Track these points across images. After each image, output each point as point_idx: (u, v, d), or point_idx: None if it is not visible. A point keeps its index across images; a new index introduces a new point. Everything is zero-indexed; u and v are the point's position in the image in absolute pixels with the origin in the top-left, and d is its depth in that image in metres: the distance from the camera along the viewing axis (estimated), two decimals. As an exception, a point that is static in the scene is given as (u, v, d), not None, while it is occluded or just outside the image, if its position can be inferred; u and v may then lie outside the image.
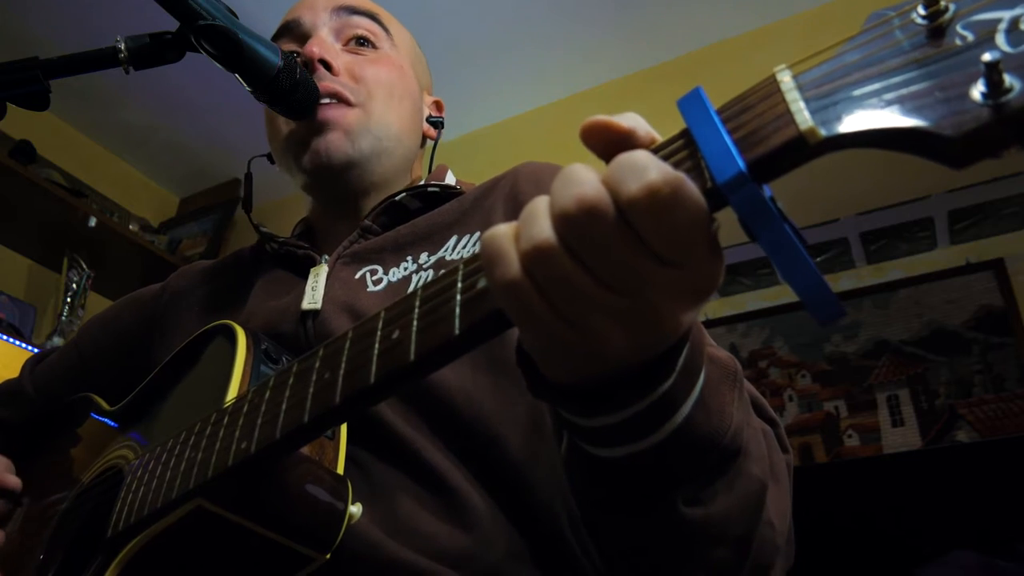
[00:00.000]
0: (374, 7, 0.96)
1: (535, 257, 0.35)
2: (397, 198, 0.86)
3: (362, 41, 0.92)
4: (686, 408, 0.44)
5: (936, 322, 2.88)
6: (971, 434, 2.64)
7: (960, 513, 2.18)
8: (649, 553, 0.50)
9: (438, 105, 1.05)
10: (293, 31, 0.92)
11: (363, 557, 0.61)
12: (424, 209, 0.87)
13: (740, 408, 0.50)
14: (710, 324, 3.33)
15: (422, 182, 0.90)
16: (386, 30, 0.95)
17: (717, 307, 3.37)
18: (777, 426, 0.65)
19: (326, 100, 0.84)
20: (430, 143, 1.03)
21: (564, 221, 0.35)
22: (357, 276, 0.81)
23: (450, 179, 0.94)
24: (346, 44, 0.92)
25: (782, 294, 3.24)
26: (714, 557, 0.49)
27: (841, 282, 3.16)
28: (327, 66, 0.86)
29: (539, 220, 0.36)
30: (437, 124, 1.02)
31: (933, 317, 2.90)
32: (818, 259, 3.12)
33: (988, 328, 2.79)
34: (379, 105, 0.88)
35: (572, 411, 0.44)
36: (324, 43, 0.88)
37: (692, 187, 0.33)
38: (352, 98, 0.86)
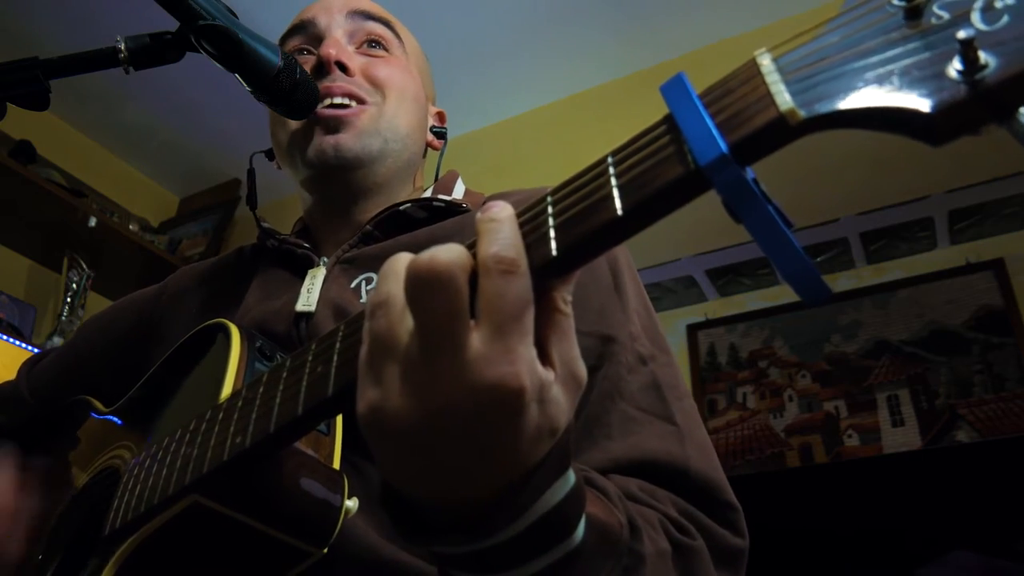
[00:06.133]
0: (387, 14, 0.98)
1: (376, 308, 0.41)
2: (402, 208, 0.86)
3: (374, 44, 0.93)
4: None
5: (936, 322, 2.88)
6: (971, 434, 2.64)
7: (960, 513, 2.17)
8: None
9: (440, 116, 1.05)
10: (307, 30, 0.93)
11: (360, 559, 0.62)
12: (428, 220, 0.87)
13: None
14: (710, 324, 3.33)
15: (428, 192, 0.90)
16: (398, 37, 0.96)
17: (717, 307, 3.37)
18: (730, 515, 0.64)
19: (339, 100, 0.85)
20: (433, 153, 1.03)
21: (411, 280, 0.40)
22: (352, 285, 0.80)
23: (459, 190, 0.93)
24: (359, 47, 0.93)
25: (782, 294, 3.23)
26: None
27: (841, 282, 3.16)
28: (343, 68, 0.87)
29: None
30: (440, 135, 1.02)
31: (933, 317, 2.90)
32: (818, 259, 3.11)
33: (988, 328, 2.79)
34: (391, 106, 0.89)
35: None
36: (340, 44, 0.89)
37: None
38: (367, 97, 0.87)
